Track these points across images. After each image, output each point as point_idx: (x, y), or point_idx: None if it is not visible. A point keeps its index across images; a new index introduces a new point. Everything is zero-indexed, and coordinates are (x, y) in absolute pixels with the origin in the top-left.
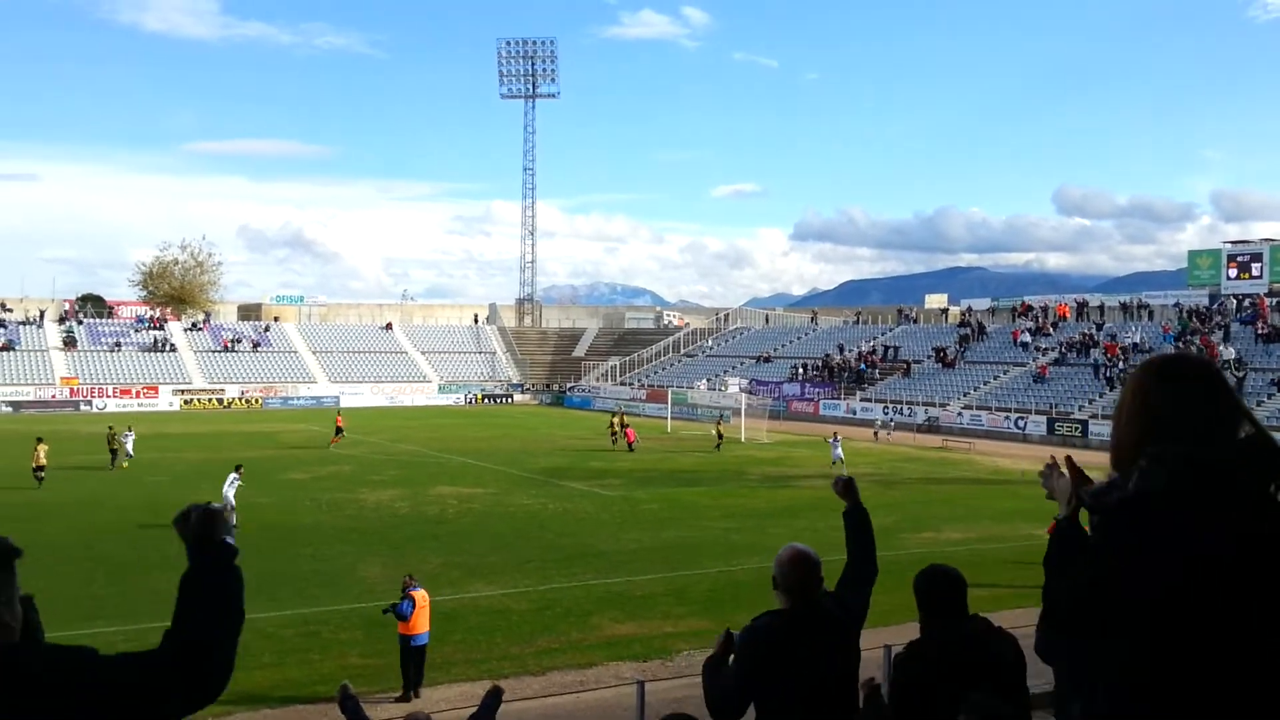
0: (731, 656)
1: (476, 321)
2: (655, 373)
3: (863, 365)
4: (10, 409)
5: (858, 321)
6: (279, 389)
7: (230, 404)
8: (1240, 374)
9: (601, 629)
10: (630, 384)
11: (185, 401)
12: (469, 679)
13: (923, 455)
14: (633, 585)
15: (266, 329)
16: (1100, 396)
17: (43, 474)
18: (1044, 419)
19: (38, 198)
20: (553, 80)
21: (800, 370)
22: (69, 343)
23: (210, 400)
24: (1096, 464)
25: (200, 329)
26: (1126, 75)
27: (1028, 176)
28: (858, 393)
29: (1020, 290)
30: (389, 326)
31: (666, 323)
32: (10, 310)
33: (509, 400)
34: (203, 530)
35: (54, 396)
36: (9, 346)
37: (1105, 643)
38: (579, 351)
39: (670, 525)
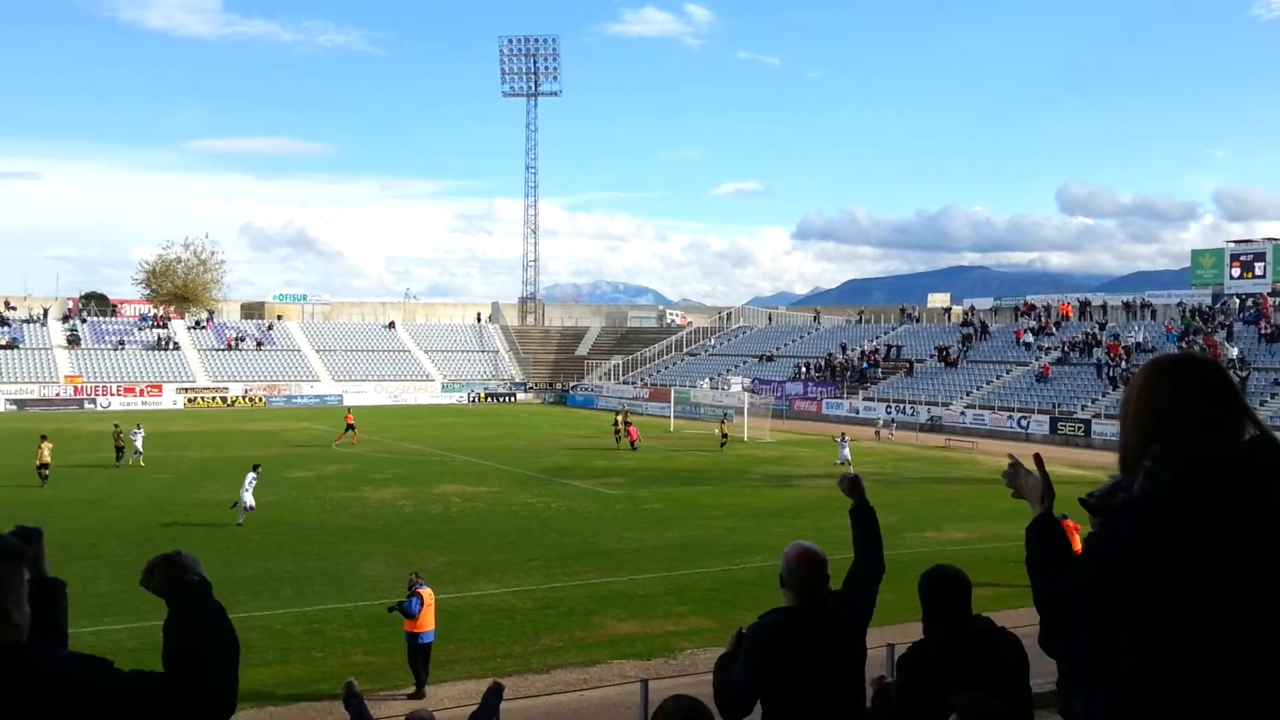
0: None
1: (479, 320)
2: (658, 371)
3: (865, 364)
4: (14, 407)
5: (860, 320)
6: (282, 387)
7: (234, 402)
8: (1243, 373)
9: (604, 627)
10: (633, 383)
11: (189, 400)
12: (473, 677)
13: (925, 455)
14: (636, 584)
15: (270, 327)
16: (1103, 396)
17: (47, 472)
18: (1047, 418)
19: (40, 196)
20: (555, 78)
21: (803, 369)
22: (73, 341)
23: (214, 399)
24: (1099, 464)
25: (204, 327)
26: (1130, 74)
27: (1031, 175)
28: (860, 392)
29: (1023, 289)
30: (392, 325)
31: (669, 321)
32: (14, 308)
33: (512, 399)
34: (167, 578)
35: (58, 394)
36: (13, 345)
37: (1105, 644)
38: (582, 350)
39: (673, 524)
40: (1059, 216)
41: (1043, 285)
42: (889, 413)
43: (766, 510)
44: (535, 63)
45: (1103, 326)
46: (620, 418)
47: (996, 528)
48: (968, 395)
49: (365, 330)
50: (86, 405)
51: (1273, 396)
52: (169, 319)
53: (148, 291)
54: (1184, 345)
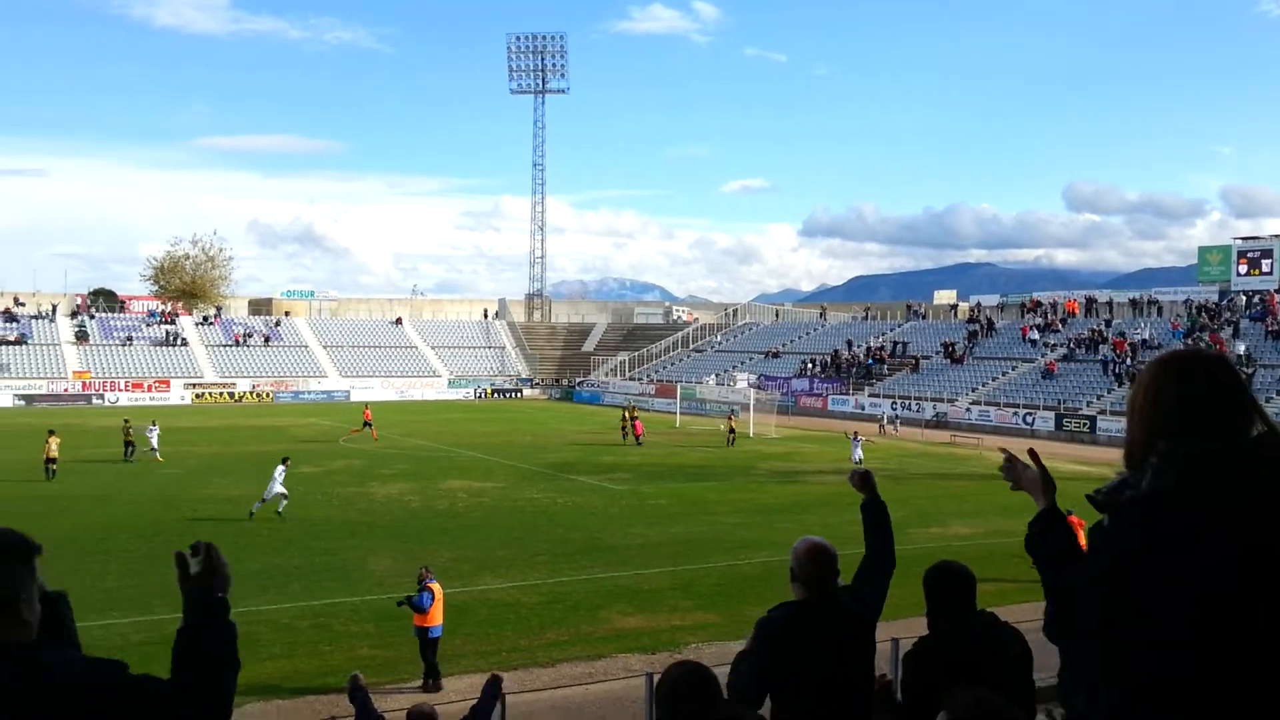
0: None
1: (486, 316)
2: (664, 368)
3: (871, 361)
4: (23, 403)
5: (866, 317)
6: (290, 383)
7: (241, 398)
8: (1250, 370)
9: (610, 622)
10: (639, 379)
11: (197, 395)
12: (479, 671)
13: (931, 451)
14: (641, 579)
15: (277, 324)
16: (1109, 392)
17: (55, 466)
18: (1052, 415)
19: (48, 193)
20: (562, 75)
21: (809, 366)
22: (81, 337)
23: (221, 394)
24: (1105, 460)
25: (211, 323)
26: (1137, 71)
27: (1038, 173)
28: (866, 388)
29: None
30: (399, 321)
31: (675, 318)
32: (23, 304)
33: (518, 395)
34: (203, 583)
35: (66, 390)
36: (21, 340)
37: (1112, 641)
38: (588, 346)
39: (678, 520)
40: (1066, 214)
41: (1049, 282)
42: (894, 409)
43: (772, 506)
44: (543, 60)
45: (1109, 323)
46: (627, 413)
47: (1001, 523)
48: (973, 392)
49: (372, 326)
50: (95, 401)
51: (1279, 393)
52: (177, 315)
53: (156, 288)
54: (1190, 342)
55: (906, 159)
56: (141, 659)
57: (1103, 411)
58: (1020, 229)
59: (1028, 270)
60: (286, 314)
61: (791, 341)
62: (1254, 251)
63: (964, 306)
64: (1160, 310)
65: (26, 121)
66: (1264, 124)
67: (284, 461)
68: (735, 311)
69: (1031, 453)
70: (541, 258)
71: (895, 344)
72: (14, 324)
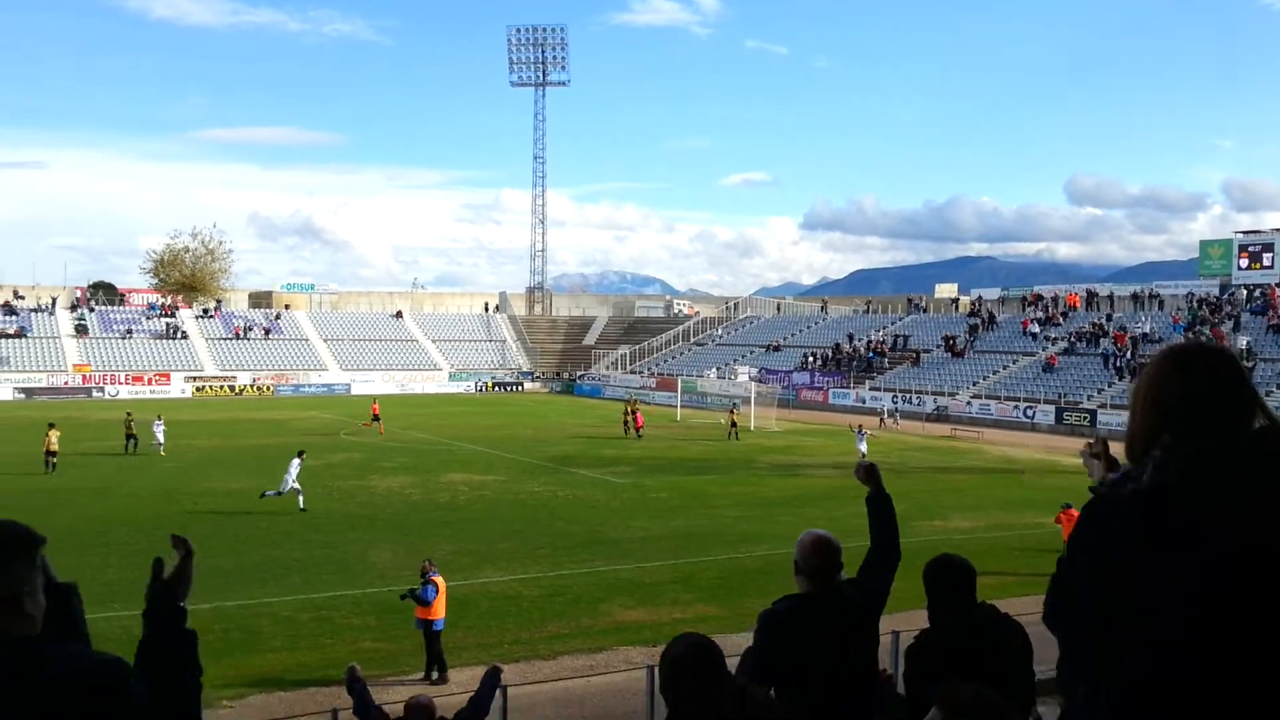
0: None
1: (487, 310)
2: (665, 361)
3: (872, 354)
4: (23, 396)
5: (867, 311)
6: (290, 376)
7: (242, 391)
8: (1250, 364)
9: (611, 615)
10: (640, 372)
11: (197, 389)
12: (480, 663)
13: (931, 444)
14: (643, 572)
15: (278, 316)
16: (1109, 386)
17: (54, 460)
18: (1053, 408)
19: (47, 185)
20: (563, 68)
21: (810, 359)
22: (81, 330)
23: (222, 387)
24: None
25: (211, 316)
26: (1138, 64)
27: (1039, 166)
28: (867, 382)
29: (1030, 280)
30: (399, 314)
31: (676, 311)
32: (22, 298)
33: (519, 388)
34: (170, 587)
35: (66, 383)
36: (21, 333)
37: (1112, 640)
38: (589, 340)
39: (680, 513)
40: (1067, 207)
41: (1050, 276)
42: (894, 402)
43: (773, 499)
44: (543, 52)
45: (1110, 317)
46: (629, 407)
47: (1001, 517)
48: (974, 385)
49: (373, 320)
50: (95, 394)
51: (1278, 388)
52: (177, 308)
53: (156, 281)
54: (1191, 336)
55: (907, 152)
56: None
57: (1103, 405)
58: (1021, 222)
59: (1029, 264)
60: (287, 307)
61: (792, 335)
62: (1255, 245)
63: (965, 300)
64: (1161, 304)
65: (25, 113)
66: (1266, 117)
67: (299, 455)
68: (736, 305)
69: (1104, 445)
70: (542, 251)
71: (896, 337)
72: (13, 317)
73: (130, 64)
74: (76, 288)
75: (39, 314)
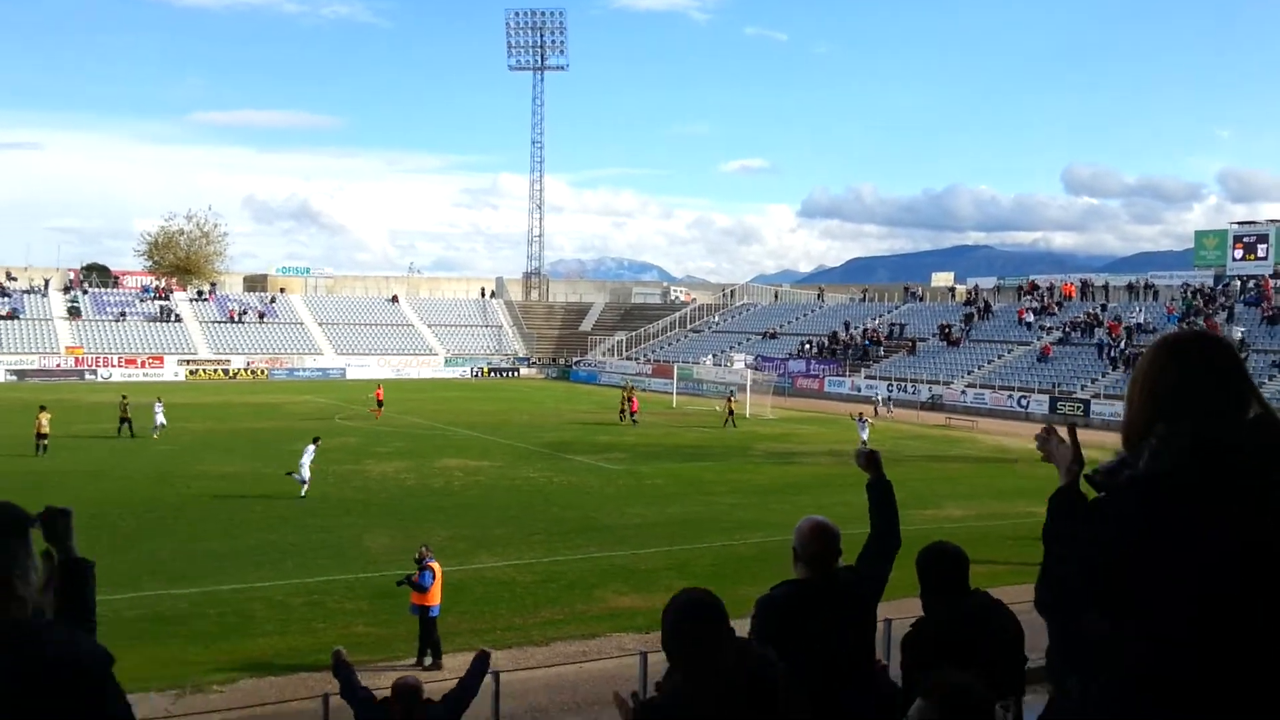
0: None
1: (483, 295)
2: (662, 348)
3: (868, 342)
4: (15, 378)
5: (864, 299)
6: (285, 360)
7: (236, 375)
8: (1244, 355)
9: (605, 601)
10: (636, 359)
11: (191, 372)
12: (473, 649)
13: (926, 433)
14: (637, 558)
15: (272, 300)
16: (1103, 376)
17: (46, 442)
18: (1047, 398)
19: (42, 167)
20: (562, 52)
21: (806, 347)
22: (74, 312)
23: (216, 371)
24: (1099, 444)
25: (206, 299)
26: (1136, 52)
27: (1036, 155)
28: (863, 370)
29: (1027, 269)
30: (395, 299)
31: (673, 298)
32: (15, 279)
33: (515, 374)
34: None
35: (58, 365)
36: (13, 315)
37: (1107, 635)
38: (586, 326)
39: (674, 500)
40: (1064, 196)
41: (1047, 265)
42: (889, 390)
43: (768, 487)
44: (542, 36)
45: (1105, 307)
46: (625, 393)
47: (995, 505)
48: (969, 374)
49: (368, 304)
50: (87, 376)
51: (1271, 378)
52: (171, 291)
53: (150, 263)
54: (1185, 326)
55: (905, 139)
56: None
57: (1097, 395)
58: (1018, 211)
59: (1025, 253)
60: (282, 291)
61: (789, 322)
62: (1250, 236)
63: (961, 289)
64: (1156, 294)
65: (21, 94)
66: (1263, 108)
67: (315, 440)
68: (733, 292)
69: (1070, 428)
70: (540, 236)
71: (892, 326)
72: (6, 299)
73: (127, 45)
74: (70, 270)
75: (31, 296)
